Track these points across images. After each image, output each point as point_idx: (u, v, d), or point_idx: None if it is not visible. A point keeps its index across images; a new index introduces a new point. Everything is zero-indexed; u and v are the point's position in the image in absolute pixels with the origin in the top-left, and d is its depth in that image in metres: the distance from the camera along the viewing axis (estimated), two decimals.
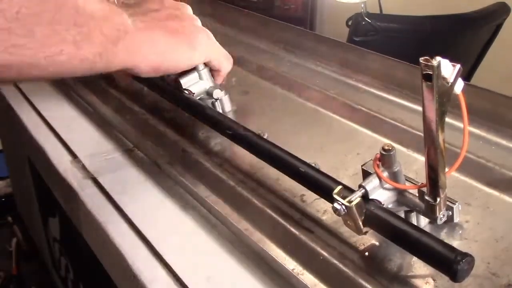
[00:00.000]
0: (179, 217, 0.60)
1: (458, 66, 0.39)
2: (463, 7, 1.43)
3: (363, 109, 0.68)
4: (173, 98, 0.72)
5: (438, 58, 0.37)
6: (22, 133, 0.87)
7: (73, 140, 0.77)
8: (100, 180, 0.67)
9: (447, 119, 0.59)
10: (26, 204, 1.24)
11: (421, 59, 0.37)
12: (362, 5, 1.34)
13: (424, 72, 0.37)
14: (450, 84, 0.39)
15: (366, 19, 1.29)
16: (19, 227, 1.50)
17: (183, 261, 0.53)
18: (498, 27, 1.50)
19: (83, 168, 0.70)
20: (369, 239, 0.50)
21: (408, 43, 1.36)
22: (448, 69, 0.38)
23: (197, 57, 0.65)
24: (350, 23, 1.36)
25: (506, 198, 0.52)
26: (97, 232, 0.61)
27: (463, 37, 1.44)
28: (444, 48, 1.36)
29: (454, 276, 0.38)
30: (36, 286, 1.39)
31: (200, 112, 0.67)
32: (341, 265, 0.47)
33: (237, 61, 0.87)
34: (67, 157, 0.74)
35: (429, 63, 0.37)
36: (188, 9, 0.68)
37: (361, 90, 0.72)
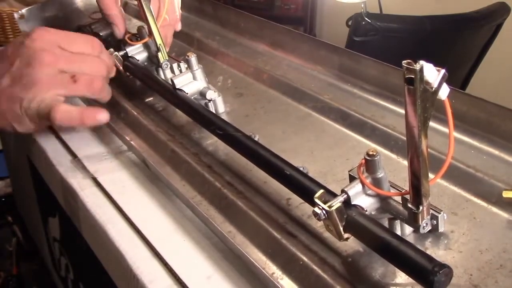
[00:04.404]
0: (179, 216, 0.60)
1: (442, 71, 0.38)
2: (463, 7, 1.42)
3: (356, 114, 0.67)
4: (167, 95, 0.71)
5: (421, 62, 0.36)
6: (22, 133, 0.87)
7: (73, 140, 0.77)
8: (100, 180, 0.67)
9: (441, 127, 0.59)
10: (26, 204, 1.24)
11: (404, 62, 0.36)
12: (362, 5, 1.33)
13: (406, 76, 0.36)
14: (434, 89, 0.38)
15: (366, 19, 1.28)
16: (19, 227, 1.50)
17: (183, 261, 0.53)
18: (498, 27, 1.50)
19: (83, 168, 0.70)
20: (353, 245, 0.49)
21: (408, 43, 1.35)
22: (432, 73, 0.37)
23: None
24: (350, 23, 1.35)
25: (493, 209, 0.51)
26: (97, 232, 0.61)
27: (463, 37, 1.43)
28: (444, 48, 1.35)
29: (431, 287, 0.37)
30: (36, 286, 1.39)
31: (192, 110, 0.67)
32: (320, 271, 0.46)
33: (234, 63, 0.87)
34: (67, 157, 0.73)
35: (411, 67, 0.36)
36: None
37: (356, 96, 0.71)
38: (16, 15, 1.06)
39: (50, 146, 0.77)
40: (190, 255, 0.55)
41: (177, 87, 0.70)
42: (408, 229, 0.48)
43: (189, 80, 0.71)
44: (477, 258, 0.45)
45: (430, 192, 0.43)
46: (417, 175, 0.41)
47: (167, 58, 0.77)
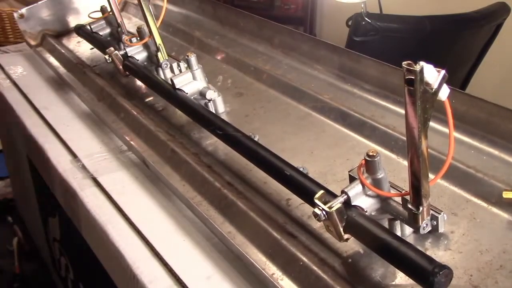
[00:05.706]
0: (178, 216, 0.60)
1: (443, 72, 0.38)
2: (463, 7, 1.41)
3: (356, 114, 0.67)
4: (167, 95, 0.71)
5: (422, 63, 0.36)
6: (22, 133, 0.87)
7: (73, 140, 0.77)
8: (100, 180, 0.67)
9: (441, 127, 0.59)
10: (26, 204, 1.25)
11: (404, 63, 0.36)
12: (362, 5, 1.33)
13: (407, 77, 0.36)
14: (434, 90, 0.38)
15: (366, 19, 1.27)
16: (20, 227, 1.50)
17: (183, 261, 0.53)
18: (498, 27, 1.49)
19: (83, 168, 0.70)
20: (353, 246, 0.49)
21: (408, 43, 1.34)
22: (432, 74, 0.37)
23: None
24: (350, 23, 1.35)
25: (493, 209, 0.50)
26: (97, 232, 0.61)
27: (463, 37, 1.42)
28: (444, 48, 1.35)
29: None
30: (37, 286, 1.39)
31: (192, 110, 0.67)
32: (320, 272, 0.46)
33: (234, 62, 0.87)
34: (67, 157, 0.74)
35: (411, 68, 0.36)
36: None
37: (355, 96, 0.71)
38: (16, 15, 1.06)
39: (50, 146, 0.78)
40: (190, 255, 0.55)
41: (176, 87, 0.69)
42: (408, 230, 0.48)
43: (189, 80, 0.71)
44: (477, 259, 0.45)
45: (430, 193, 0.43)
46: (417, 176, 0.41)
47: (166, 58, 0.77)
